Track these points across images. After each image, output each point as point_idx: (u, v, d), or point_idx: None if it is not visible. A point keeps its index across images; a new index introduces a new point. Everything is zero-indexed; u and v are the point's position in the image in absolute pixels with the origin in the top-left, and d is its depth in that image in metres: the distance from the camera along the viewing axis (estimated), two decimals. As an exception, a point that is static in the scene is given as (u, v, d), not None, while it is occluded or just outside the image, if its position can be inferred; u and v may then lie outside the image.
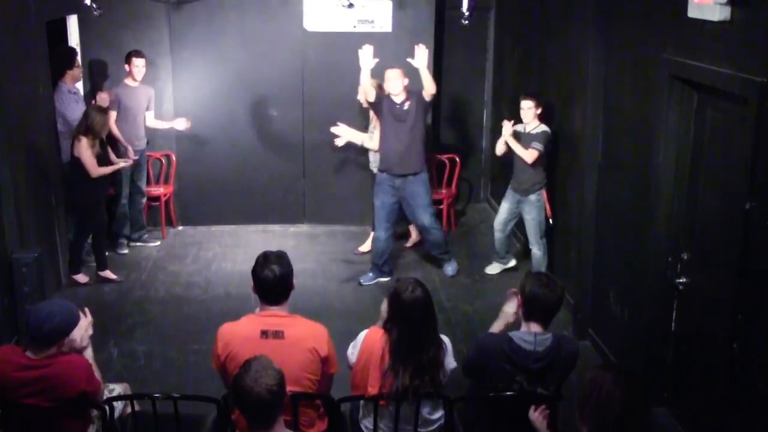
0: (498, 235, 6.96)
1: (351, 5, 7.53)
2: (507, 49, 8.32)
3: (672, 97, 4.47)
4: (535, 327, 3.62)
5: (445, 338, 3.74)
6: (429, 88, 6.41)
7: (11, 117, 5.65)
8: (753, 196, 3.64)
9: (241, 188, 8.16)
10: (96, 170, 6.38)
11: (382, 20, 7.76)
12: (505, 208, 6.82)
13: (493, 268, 7.16)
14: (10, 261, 5.49)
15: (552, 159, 6.58)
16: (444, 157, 8.13)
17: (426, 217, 6.75)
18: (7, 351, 3.56)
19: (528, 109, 6.45)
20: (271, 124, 8.00)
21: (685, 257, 4.55)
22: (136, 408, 3.72)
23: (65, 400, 3.45)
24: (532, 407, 3.36)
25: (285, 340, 3.54)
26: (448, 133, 8.82)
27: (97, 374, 3.67)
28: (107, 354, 5.50)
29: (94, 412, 3.71)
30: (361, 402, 3.76)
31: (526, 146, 6.41)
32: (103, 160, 6.50)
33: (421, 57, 6.35)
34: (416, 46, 6.37)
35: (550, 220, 6.58)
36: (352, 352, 3.74)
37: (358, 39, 7.72)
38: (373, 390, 3.57)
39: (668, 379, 4.77)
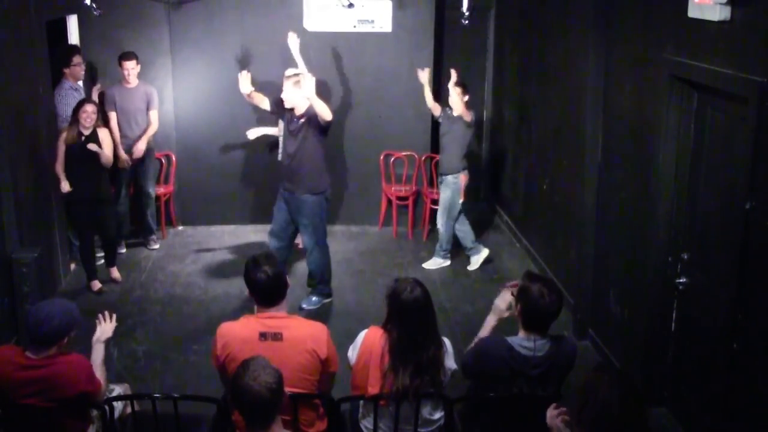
0: (458, 227, 7.21)
1: (351, 5, 7.53)
2: (507, 49, 8.32)
3: (672, 97, 4.47)
4: (533, 334, 3.61)
5: (446, 340, 3.74)
6: (322, 116, 5.88)
7: (11, 117, 5.66)
8: (753, 196, 3.64)
9: (241, 188, 8.16)
10: (56, 164, 6.26)
11: (382, 20, 7.76)
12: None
13: (472, 264, 7.29)
14: (10, 261, 5.49)
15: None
16: (444, 157, 8.14)
17: (306, 239, 6.30)
18: (6, 351, 3.57)
19: (456, 95, 6.86)
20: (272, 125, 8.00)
21: (685, 257, 4.55)
22: (136, 408, 3.72)
23: (65, 400, 3.45)
24: (551, 407, 3.17)
25: (284, 342, 3.53)
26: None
27: (101, 375, 3.68)
28: (107, 354, 5.48)
29: (94, 412, 3.71)
30: (361, 402, 3.76)
31: (453, 125, 6.93)
32: (79, 150, 6.26)
33: (307, 86, 5.83)
34: (301, 76, 5.93)
35: (459, 202, 7.10)
36: (353, 352, 3.74)
37: (358, 39, 7.76)
38: (373, 390, 3.57)
39: (668, 379, 4.77)
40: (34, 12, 6.14)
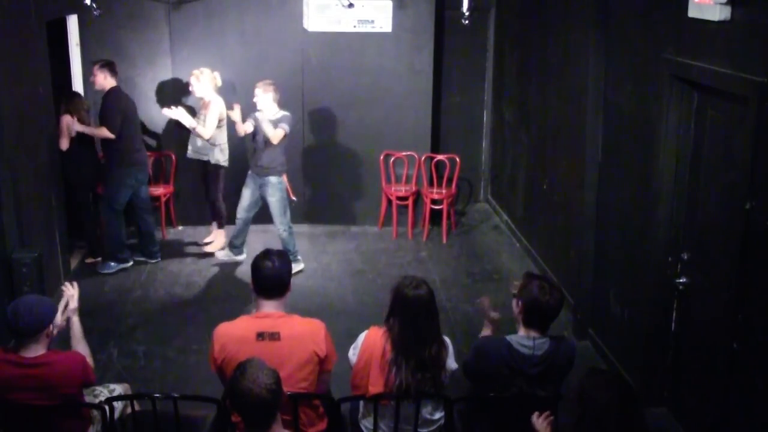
0: (242, 215, 7.09)
1: (351, 5, 7.53)
2: (507, 49, 8.32)
3: (672, 97, 4.47)
4: (533, 332, 3.62)
5: (447, 339, 3.74)
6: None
7: (11, 117, 5.65)
8: (753, 196, 3.64)
9: (241, 188, 8.13)
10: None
11: (382, 20, 7.76)
12: (247, 194, 7.06)
13: (223, 255, 7.34)
14: (10, 261, 5.48)
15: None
16: (444, 157, 8.13)
17: (103, 210, 7.05)
18: (2, 352, 3.57)
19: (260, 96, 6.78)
20: (271, 124, 7.99)
21: (685, 257, 4.55)
22: (136, 408, 3.72)
23: (65, 396, 3.47)
24: (536, 413, 3.31)
25: (282, 342, 3.52)
26: (448, 133, 8.82)
27: (84, 349, 3.80)
28: (107, 354, 5.50)
29: (94, 412, 3.72)
30: (361, 402, 3.76)
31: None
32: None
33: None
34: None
35: (294, 199, 7.26)
36: (353, 352, 3.74)
37: (358, 39, 7.75)
38: (374, 389, 3.57)
39: (668, 379, 4.77)
40: (34, 12, 6.13)
